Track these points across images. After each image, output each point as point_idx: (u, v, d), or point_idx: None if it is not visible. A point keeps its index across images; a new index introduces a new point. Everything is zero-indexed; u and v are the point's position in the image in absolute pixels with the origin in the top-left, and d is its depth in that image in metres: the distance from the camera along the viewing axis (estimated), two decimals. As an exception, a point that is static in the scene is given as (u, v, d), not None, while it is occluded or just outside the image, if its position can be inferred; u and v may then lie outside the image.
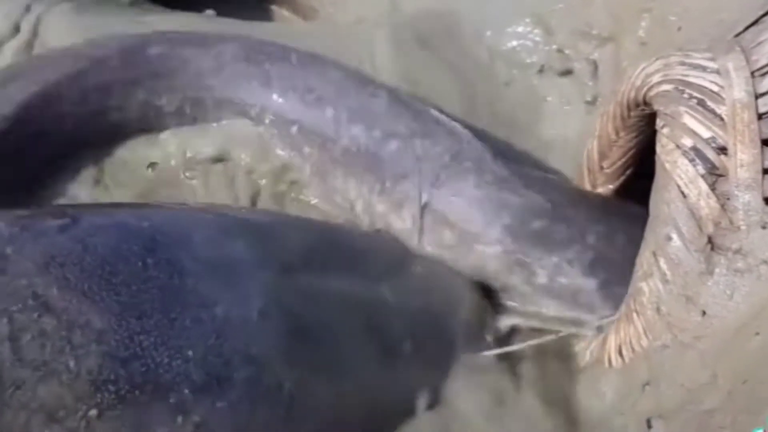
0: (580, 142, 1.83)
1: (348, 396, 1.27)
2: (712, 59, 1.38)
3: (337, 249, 1.42)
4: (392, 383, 1.32)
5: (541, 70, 1.97)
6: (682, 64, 1.42)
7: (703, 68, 1.38)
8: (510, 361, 1.47)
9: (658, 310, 1.35)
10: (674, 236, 1.33)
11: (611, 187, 1.73)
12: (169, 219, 1.30)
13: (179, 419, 1.11)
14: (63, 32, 1.92)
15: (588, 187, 1.75)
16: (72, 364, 1.06)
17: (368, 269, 1.40)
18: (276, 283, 1.25)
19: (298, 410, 1.20)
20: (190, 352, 1.13)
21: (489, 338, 1.46)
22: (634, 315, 1.40)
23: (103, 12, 2.03)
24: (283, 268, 1.28)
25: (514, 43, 2.00)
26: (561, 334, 1.49)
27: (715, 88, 1.34)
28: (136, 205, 1.40)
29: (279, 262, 1.29)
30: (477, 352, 1.41)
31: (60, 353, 1.06)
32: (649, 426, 1.33)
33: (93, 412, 1.06)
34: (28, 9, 1.95)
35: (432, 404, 1.35)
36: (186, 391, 1.11)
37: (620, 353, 1.43)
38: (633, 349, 1.39)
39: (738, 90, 1.31)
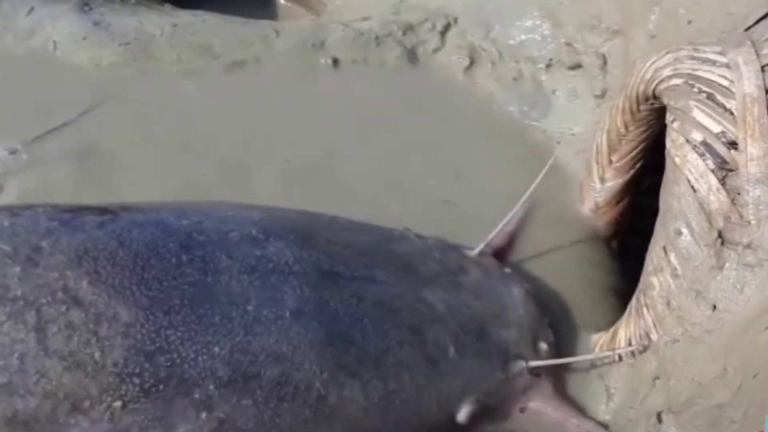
0: (589, 136, 1.83)
1: (383, 401, 1.24)
2: (721, 53, 1.37)
3: (386, 254, 1.39)
4: (432, 392, 1.28)
5: (549, 64, 1.96)
6: (692, 58, 1.41)
7: (713, 62, 1.37)
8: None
9: (668, 304, 1.35)
10: (684, 231, 1.34)
11: (620, 181, 1.73)
12: (209, 218, 1.29)
13: (203, 415, 1.11)
14: (72, 30, 1.94)
15: (597, 181, 1.75)
16: (98, 355, 1.08)
17: (416, 275, 1.37)
18: (314, 285, 1.24)
19: (327, 412, 1.19)
20: (216, 348, 1.13)
21: (544, 348, 1.42)
22: (644, 309, 1.40)
23: (110, 10, 2.04)
24: (323, 269, 1.27)
25: (523, 37, 1.99)
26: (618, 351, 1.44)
27: (725, 83, 1.34)
28: (180, 203, 1.39)
29: (319, 264, 1.27)
30: (527, 362, 1.37)
31: (86, 345, 1.08)
32: (660, 420, 1.33)
33: (117, 404, 1.08)
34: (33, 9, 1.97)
35: (474, 415, 1.32)
36: (211, 386, 1.12)
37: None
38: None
39: (748, 84, 1.31)
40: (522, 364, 1.37)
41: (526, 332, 1.41)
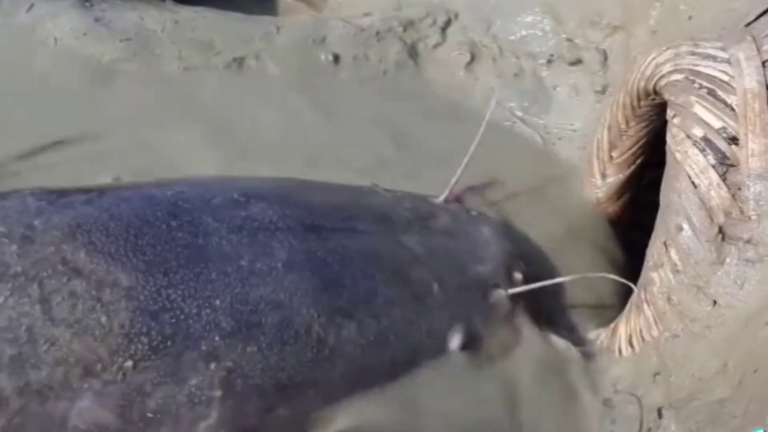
0: (589, 132, 1.83)
1: (378, 338, 1.30)
2: (722, 49, 1.37)
3: (360, 207, 1.45)
4: (423, 325, 1.35)
5: (550, 60, 1.96)
6: (693, 53, 1.41)
7: (714, 58, 1.37)
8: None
9: (668, 299, 1.36)
10: (685, 226, 1.34)
11: (621, 176, 1.73)
12: (190, 187, 1.34)
13: (212, 365, 1.15)
14: (72, 26, 1.94)
15: (598, 176, 1.75)
16: (104, 319, 1.12)
17: (392, 223, 1.44)
18: (299, 238, 1.29)
19: (328, 352, 1.24)
20: (217, 302, 1.18)
21: (518, 276, 1.49)
22: (645, 305, 1.41)
23: (111, 7, 2.04)
24: (305, 224, 1.32)
25: (524, 32, 1.99)
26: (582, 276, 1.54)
27: (726, 78, 1.34)
28: (159, 179, 1.44)
29: (301, 220, 1.32)
30: (504, 290, 1.45)
31: (91, 311, 1.12)
32: (660, 416, 1.33)
33: (128, 364, 1.12)
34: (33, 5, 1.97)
35: (465, 344, 1.38)
36: (216, 338, 1.16)
37: (630, 343, 1.43)
38: (643, 339, 1.40)
39: (749, 80, 1.31)
40: (501, 292, 1.45)
41: (500, 265, 1.49)
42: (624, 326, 1.46)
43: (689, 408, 1.29)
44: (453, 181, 1.60)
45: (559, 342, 1.48)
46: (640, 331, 1.41)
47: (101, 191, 1.28)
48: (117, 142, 1.74)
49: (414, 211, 1.50)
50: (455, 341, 1.37)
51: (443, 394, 1.34)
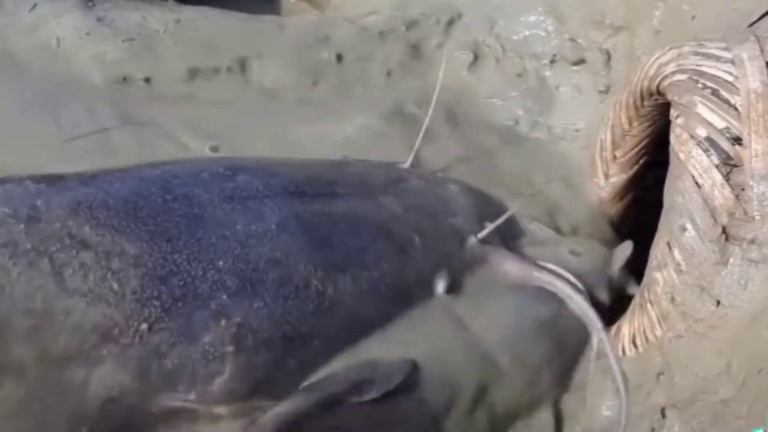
0: (592, 132, 1.82)
1: (372, 288, 1.38)
2: (726, 49, 1.37)
3: (338, 174, 1.56)
4: (410, 273, 1.44)
5: (553, 60, 1.96)
6: (696, 53, 1.41)
7: (717, 58, 1.37)
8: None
9: (672, 300, 1.36)
10: (689, 226, 1.34)
11: (624, 176, 1.73)
12: (178, 166, 1.42)
13: (222, 322, 1.21)
14: (75, 26, 1.94)
15: (601, 176, 1.76)
16: (116, 287, 1.16)
17: (369, 187, 1.55)
18: (287, 203, 1.37)
19: (328, 304, 1.31)
20: (220, 263, 1.24)
21: (487, 224, 1.58)
22: (648, 305, 1.41)
23: (114, 6, 2.04)
24: (290, 191, 1.40)
25: (526, 32, 1.99)
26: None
27: (730, 78, 1.34)
28: (144, 162, 1.50)
29: (285, 187, 1.41)
30: (477, 235, 1.55)
31: (103, 279, 1.16)
32: (664, 416, 1.33)
33: (143, 327, 1.17)
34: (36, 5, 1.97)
35: (450, 287, 1.46)
36: (224, 296, 1.22)
37: (634, 343, 1.43)
38: (647, 339, 1.40)
39: (753, 80, 1.31)
40: (473, 238, 1.55)
41: (471, 216, 1.60)
42: (627, 326, 1.46)
43: (693, 408, 1.29)
44: (416, 145, 1.70)
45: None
46: (644, 331, 1.41)
47: (93, 175, 1.33)
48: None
49: (386, 175, 1.61)
50: (441, 286, 1.46)
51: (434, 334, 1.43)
